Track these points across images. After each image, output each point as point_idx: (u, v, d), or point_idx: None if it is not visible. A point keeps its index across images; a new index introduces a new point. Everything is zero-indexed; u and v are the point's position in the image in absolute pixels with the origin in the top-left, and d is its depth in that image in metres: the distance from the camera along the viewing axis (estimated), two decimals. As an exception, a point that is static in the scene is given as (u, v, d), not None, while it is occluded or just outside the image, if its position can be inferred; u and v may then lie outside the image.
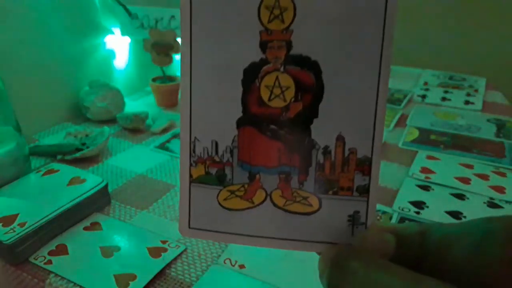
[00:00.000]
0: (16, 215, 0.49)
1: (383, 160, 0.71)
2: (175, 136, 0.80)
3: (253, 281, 0.45)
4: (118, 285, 0.44)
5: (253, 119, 0.24)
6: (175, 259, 0.48)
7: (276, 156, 0.24)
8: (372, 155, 0.23)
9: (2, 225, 0.48)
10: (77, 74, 0.86)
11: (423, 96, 1.02)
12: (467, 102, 0.98)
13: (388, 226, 0.22)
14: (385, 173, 0.67)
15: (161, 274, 0.46)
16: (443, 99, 1.00)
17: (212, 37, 0.24)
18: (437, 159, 0.71)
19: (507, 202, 0.60)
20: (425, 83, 1.11)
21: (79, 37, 0.85)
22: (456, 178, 0.65)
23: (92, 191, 0.55)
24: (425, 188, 0.63)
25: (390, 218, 0.55)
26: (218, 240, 0.25)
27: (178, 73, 0.93)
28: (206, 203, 0.25)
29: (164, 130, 0.81)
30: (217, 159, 0.25)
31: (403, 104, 0.96)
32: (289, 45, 0.23)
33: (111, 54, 0.94)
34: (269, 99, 0.24)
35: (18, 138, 0.59)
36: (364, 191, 0.24)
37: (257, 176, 0.24)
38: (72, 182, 0.56)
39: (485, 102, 0.98)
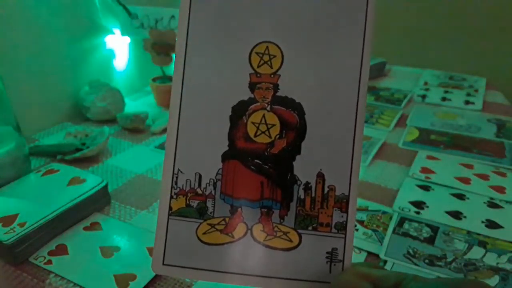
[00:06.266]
0: (16, 215, 0.49)
1: (384, 160, 0.71)
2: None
3: (253, 281, 0.45)
4: (118, 285, 0.44)
5: (239, 153, 0.25)
6: (175, 259, 0.48)
7: (259, 190, 0.25)
8: (349, 193, 0.25)
9: (2, 225, 0.48)
10: (77, 74, 0.86)
11: (423, 96, 1.02)
12: (467, 102, 0.98)
13: (368, 273, 0.23)
14: (385, 173, 0.67)
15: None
16: (443, 99, 1.00)
17: (204, 74, 0.25)
18: (437, 159, 0.71)
19: (507, 202, 0.60)
20: (425, 83, 1.11)
21: (79, 37, 0.85)
22: (456, 178, 0.65)
23: (92, 191, 0.55)
24: (425, 188, 0.63)
25: (390, 218, 0.55)
26: (194, 278, 0.25)
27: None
28: (184, 237, 0.25)
29: (164, 130, 0.81)
30: (199, 191, 0.25)
31: (403, 104, 0.96)
32: (276, 87, 0.25)
33: (111, 54, 0.94)
34: (255, 135, 0.25)
35: (18, 138, 0.59)
36: (342, 228, 0.24)
37: (239, 209, 0.25)
38: (72, 182, 0.56)
39: (485, 102, 0.98)
